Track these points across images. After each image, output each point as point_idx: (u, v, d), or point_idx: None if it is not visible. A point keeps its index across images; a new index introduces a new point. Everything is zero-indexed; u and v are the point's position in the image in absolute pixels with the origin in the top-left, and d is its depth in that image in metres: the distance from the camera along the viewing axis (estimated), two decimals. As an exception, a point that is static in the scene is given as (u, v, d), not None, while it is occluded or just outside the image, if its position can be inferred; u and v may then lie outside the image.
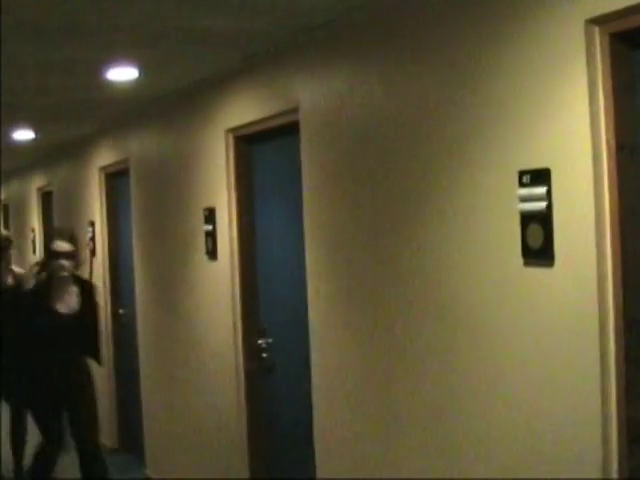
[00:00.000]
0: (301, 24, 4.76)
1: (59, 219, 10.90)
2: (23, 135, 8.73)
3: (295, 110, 5.10)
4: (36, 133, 8.67)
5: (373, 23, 4.37)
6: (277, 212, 5.73)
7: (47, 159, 11.25)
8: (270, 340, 5.83)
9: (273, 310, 5.83)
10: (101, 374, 9.09)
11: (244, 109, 5.76)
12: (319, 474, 5.04)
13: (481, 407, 3.71)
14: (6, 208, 14.61)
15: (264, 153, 5.84)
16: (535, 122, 3.34)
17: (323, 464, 5.01)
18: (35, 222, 12.26)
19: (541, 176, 3.32)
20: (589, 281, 3.11)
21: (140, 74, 5.87)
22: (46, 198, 11.77)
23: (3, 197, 14.50)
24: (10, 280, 7.63)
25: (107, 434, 9.18)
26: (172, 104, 6.97)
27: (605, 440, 3.08)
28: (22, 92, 6.58)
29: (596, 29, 3.08)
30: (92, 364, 6.78)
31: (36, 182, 12.11)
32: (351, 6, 4.38)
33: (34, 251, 12.35)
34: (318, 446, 5.04)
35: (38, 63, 5.60)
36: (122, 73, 5.83)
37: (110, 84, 6.15)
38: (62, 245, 6.48)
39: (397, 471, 4.30)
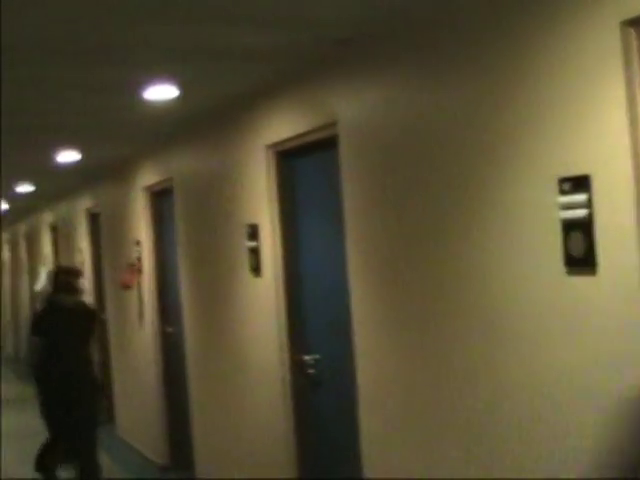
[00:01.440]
0: (337, 37, 4.73)
1: (106, 240, 10.97)
2: (68, 157, 8.78)
3: (334, 124, 5.08)
4: (82, 154, 8.72)
5: (407, 34, 4.34)
6: (320, 227, 5.70)
7: (94, 180, 11.32)
8: (317, 356, 5.80)
9: (319, 325, 5.79)
10: (151, 392, 9.14)
11: (283, 124, 5.75)
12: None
13: (526, 415, 3.65)
14: (55, 230, 14.73)
15: (305, 168, 5.82)
16: (574, 128, 3.29)
17: (370, 473, 4.97)
18: (84, 244, 12.34)
19: (581, 183, 3.27)
20: (633, 288, 3.05)
21: (180, 92, 5.88)
22: (94, 219, 11.84)
23: (52, 219, 14.63)
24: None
25: (158, 451, 9.21)
26: (212, 121, 6.98)
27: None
28: (64, 114, 6.64)
29: (632, 31, 3.02)
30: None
31: (84, 204, 12.20)
32: (386, 17, 4.35)
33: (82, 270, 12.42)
34: (365, 461, 5.00)
35: (78, 85, 5.64)
36: (161, 92, 5.84)
37: (149, 103, 6.17)
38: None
39: (442, 475, 4.26)
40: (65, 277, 7.92)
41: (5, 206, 14.44)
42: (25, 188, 11.80)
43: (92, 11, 4.03)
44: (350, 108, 4.92)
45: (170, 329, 8.86)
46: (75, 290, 7.83)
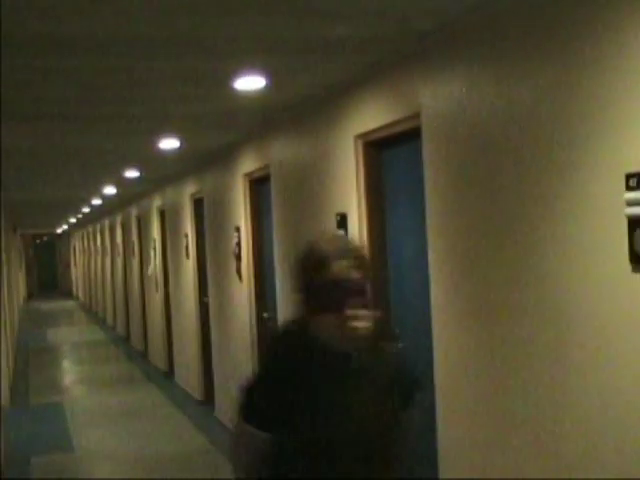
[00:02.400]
0: (421, 29, 4.77)
1: (209, 225, 11.16)
2: (168, 144, 8.98)
3: (417, 115, 5.12)
4: (180, 141, 8.91)
5: (487, 25, 4.34)
6: (407, 216, 5.74)
7: (198, 166, 11.53)
8: (400, 345, 5.83)
9: (404, 314, 5.83)
10: (247, 374, 9.28)
11: (371, 115, 5.80)
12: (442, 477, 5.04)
13: (594, 411, 3.64)
14: (162, 214, 15.03)
15: (393, 158, 5.87)
16: (642, 124, 3.27)
17: (446, 469, 5.00)
18: (188, 228, 12.57)
19: (649, 179, 3.25)
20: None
21: (267, 83, 5.99)
22: (198, 204, 12.06)
23: (160, 203, 14.93)
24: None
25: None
26: (304, 111, 7.07)
27: None
28: (164, 103, 6.81)
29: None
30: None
31: (189, 189, 12.43)
32: (467, 10, 4.37)
33: (187, 256, 12.67)
34: (441, 452, 5.03)
35: (173, 75, 5.79)
36: (250, 82, 5.95)
37: (240, 93, 6.29)
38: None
39: (516, 475, 4.26)
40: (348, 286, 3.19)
41: (113, 190, 14.78)
42: (132, 173, 12.09)
43: (185, 5, 4.15)
44: (432, 99, 4.95)
45: (266, 315, 8.99)
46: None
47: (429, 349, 5.16)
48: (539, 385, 4.03)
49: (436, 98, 4.91)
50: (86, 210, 21.78)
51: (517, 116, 4.11)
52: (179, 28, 4.60)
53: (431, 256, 5.04)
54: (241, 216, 9.35)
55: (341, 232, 6.13)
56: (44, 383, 15.47)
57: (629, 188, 3.34)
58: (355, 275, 3.14)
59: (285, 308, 7.96)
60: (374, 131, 5.79)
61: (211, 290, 11.24)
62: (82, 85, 6.00)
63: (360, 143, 6.02)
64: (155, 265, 15.72)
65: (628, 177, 3.34)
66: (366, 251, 3.58)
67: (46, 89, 6.07)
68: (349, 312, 3.11)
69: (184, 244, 12.84)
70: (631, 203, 3.34)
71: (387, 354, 3.40)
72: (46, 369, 17.39)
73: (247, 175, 9.17)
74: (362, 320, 3.15)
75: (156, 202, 15.45)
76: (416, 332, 5.62)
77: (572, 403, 3.80)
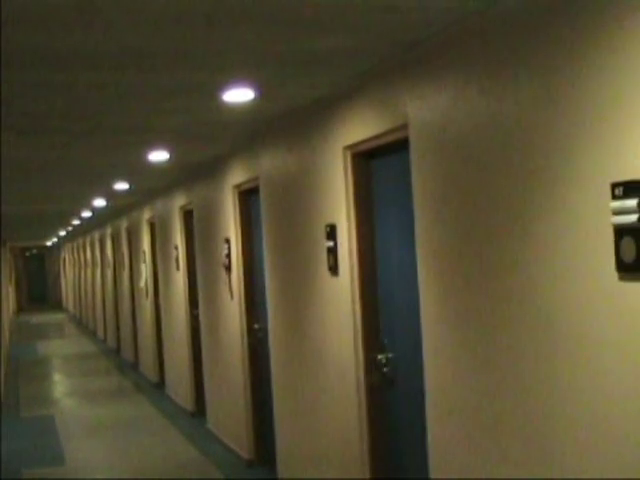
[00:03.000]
0: (403, 41, 4.80)
1: (199, 237, 11.18)
2: (158, 156, 9.01)
3: (405, 126, 5.15)
4: (170, 153, 8.93)
5: (473, 38, 4.37)
6: (396, 227, 5.76)
7: (187, 178, 11.56)
8: (390, 355, 5.87)
9: (393, 325, 5.86)
10: (238, 387, 9.31)
11: (359, 126, 5.82)
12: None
13: (583, 418, 3.67)
14: (152, 226, 15.04)
15: (381, 169, 5.90)
16: (627, 132, 3.29)
17: (437, 473, 5.02)
18: (178, 240, 12.59)
19: (634, 188, 3.27)
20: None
21: (255, 95, 6.02)
22: (188, 216, 12.09)
23: (150, 215, 14.93)
24: None
25: (244, 446, 9.37)
26: (292, 122, 7.10)
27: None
28: (152, 115, 6.83)
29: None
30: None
31: (178, 201, 12.45)
32: (455, 21, 4.40)
33: (177, 268, 12.68)
34: (432, 462, 5.05)
35: (162, 87, 5.81)
36: (239, 94, 5.98)
37: (229, 105, 6.32)
38: None
39: (505, 477, 4.29)
40: None
41: (103, 202, 14.79)
42: (122, 186, 12.11)
43: (174, 18, 4.17)
44: (420, 111, 4.97)
45: (257, 325, 9.02)
46: None
47: (419, 358, 5.19)
48: (528, 392, 4.05)
49: (423, 109, 4.94)
50: (76, 222, 21.77)
51: (503, 127, 4.14)
52: (168, 41, 4.62)
53: (420, 266, 5.07)
54: (231, 227, 9.37)
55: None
56: (35, 395, 15.46)
57: (615, 197, 3.36)
58: None
59: (274, 318, 7.98)
60: (363, 142, 5.82)
61: (201, 301, 11.26)
62: (71, 98, 6.01)
63: (349, 154, 6.05)
64: (146, 277, 15.73)
65: (614, 186, 3.36)
66: None
67: (35, 102, 6.09)
68: None
69: (174, 256, 12.85)
70: (617, 212, 3.36)
71: None
72: (37, 382, 17.37)
73: (236, 187, 9.19)
74: None
75: (146, 214, 15.46)
76: (406, 342, 5.65)
77: (560, 409, 3.82)
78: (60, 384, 17.46)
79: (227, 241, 9.49)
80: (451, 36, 4.56)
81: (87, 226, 24.03)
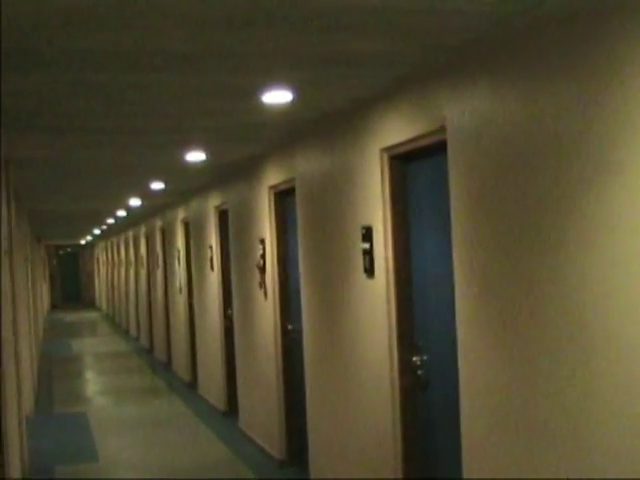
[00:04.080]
0: (441, 44, 4.82)
1: (234, 237, 11.22)
2: (195, 157, 9.07)
3: (443, 129, 5.16)
4: (206, 154, 8.98)
5: (511, 41, 4.38)
6: (430, 230, 5.78)
7: (222, 179, 11.61)
8: (425, 357, 5.88)
9: (428, 327, 5.87)
10: (271, 387, 9.34)
11: (396, 129, 5.84)
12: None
13: (617, 419, 3.66)
14: (187, 226, 15.11)
15: (417, 172, 5.91)
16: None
17: (470, 475, 5.03)
18: (213, 240, 12.64)
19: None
20: None
21: (293, 97, 6.05)
22: (223, 216, 12.14)
23: (185, 215, 15.00)
24: None
25: (276, 446, 9.40)
26: (329, 124, 7.13)
27: None
28: (191, 116, 6.88)
29: None
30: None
31: (213, 201, 12.50)
32: (492, 24, 4.41)
33: (211, 268, 12.74)
34: (465, 464, 5.06)
35: (201, 89, 5.86)
36: (276, 96, 6.02)
37: (267, 107, 6.36)
38: None
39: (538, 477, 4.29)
40: None
41: (138, 202, 14.88)
42: (157, 185, 12.18)
43: (214, 20, 4.20)
44: (458, 114, 4.98)
45: (291, 326, 9.05)
46: None
47: (453, 361, 5.20)
48: (563, 394, 4.05)
49: (461, 112, 4.95)
50: (110, 221, 21.90)
51: (542, 130, 4.15)
52: (207, 43, 4.66)
53: (456, 268, 5.08)
54: (266, 228, 9.41)
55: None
56: (68, 393, 15.57)
57: (654, 203, 3.36)
58: None
59: (309, 319, 8.00)
60: (400, 145, 5.83)
61: (235, 301, 11.30)
62: (110, 98, 6.07)
63: (386, 156, 6.07)
64: (180, 277, 15.80)
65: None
66: None
67: (74, 102, 6.15)
68: None
69: (208, 256, 12.91)
70: (655, 217, 3.36)
71: None
72: (70, 379, 17.50)
73: (272, 187, 9.23)
74: None
75: (180, 214, 15.53)
76: (440, 344, 5.66)
77: (596, 411, 3.82)
78: (93, 382, 17.57)
79: (262, 242, 9.53)
80: (489, 39, 4.57)
81: (121, 225, 24.17)
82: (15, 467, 6.79)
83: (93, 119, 6.87)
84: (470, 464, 5.02)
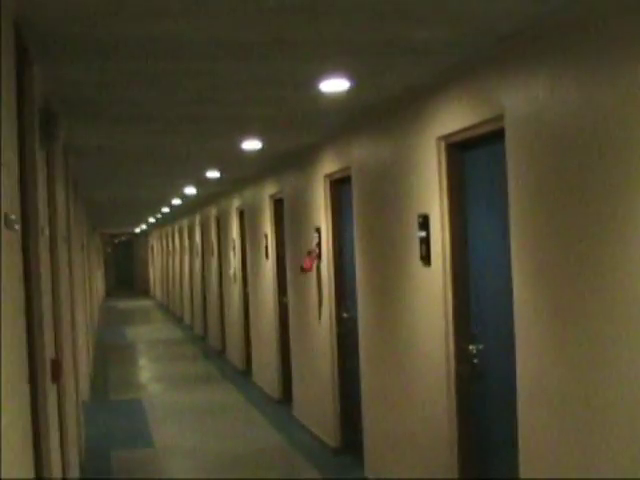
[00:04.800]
0: (504, 31, 4.80)
1: (289, 225, 11.25)
2: (251, 145, 9.09)
3: (500, 117, 5.13)
4: (264, 143, 9.01)
5: (570, 27, 4.35)
6: (487, 218, 5.76)
7: (278, 167, 11.63)
8: (481, 346, 5.86)
9: (484, 316, 5.85)
10: (326, 375, 9.36)
11: (453, 117, 5.82)
12: (522, 475, 5.04)
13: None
14: (242, 214, 15.16)
15: (474, 160, 5.89)
16: None
17: (527, 466, 5.01)
18: (268, 228, 12.68)
19: None
20: None
21: (351, 85, 6.06)
22: (278, 205, 12.17)
23: (240, 203, 15.05)
24: None
25: (330, 434, 9.42)
26: (385, 113, 7.12)
27: None
28: (247, 105, 6.90)
29: None
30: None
31: (268, 190, 12.54)
32: (549, 11, 4.38)
33: (266, 256, 12.78)
34: (522, 457, 5.04)
35: (258, 78, 5.88)
36: (334, 85, 6.03)
37: (324, 95, 6.36)
38: None
39: (597, 474, 4.25)
40: None
41: (193, 190, 14.95)
42: (213, 174, 12.23)
43: (271, 8, 4.22)
44: (516, 102, 4.96)
45: (346, 315, 9.06)
46: None
47: (511, 348, 5.17)
48: (623, 384, 4.02)
49: (519, 100, 4.92)
50: (165, 210, 22.04)
51: (602, 118, 4.11)
52: (266, 31, 4.68)
53: (514, 257, 5.05)
54: (321, 217, 9.42)
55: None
56: (123, 379, 15.72)
57: None
58: None
59: (365, 308, 8.01)
60: (457, 133, 5.82)
61: (290, 290, 11.33)
62: (168, 87, 6.11)
63: (442, 145, 6.05)
64: (234, 265, 15.87)
65: None
66: None
67: (132, 91, 6.20)
68: None
69: (263, 244, 12.95)
70: None
71: None
72: (125, 366, 17.67)
73: (328, 176, 9.24)
74: None
75: (235, 202, 15.59)
76: (497, 333, 5.64)
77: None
78: (147, 369, 17.72)
79: (317, 230, 9.54)
80: (547, 26, 4.54)
81: (176, 214, 24.32)
82: (72, 452, 6.88)
83: (151, 107, 6.92)
84: (527, 453, 5.00)
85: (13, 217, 3.42)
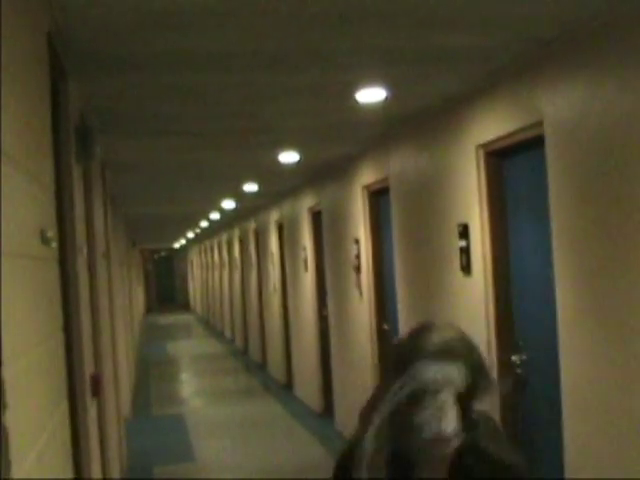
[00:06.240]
0: (542, 37, 4.74)
1: (327, 238, 11.21)
2: (288, 157, 9.06)
3: (540, 123, 5.07)
4: (300, 154, 8.98)
5: (610, 31, 4.28)
6: (528, 227, 5.69)
7: (315, 179, 11.60)
8: (524, 356, 5.78)
9: (528, 326, 5.78)
10: (367, 388, 9.29)
11: (492, 124, 5.76)
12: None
13: None
14: (280, 227, 15.15)
15: (514, 168, 5.82)
16: None
17: (572, 476, 4.93)
18: (307, 241, 12.65)
19: None
20: None
21: (388, 94, 6.01)
22: (316, 217, 12.14)
23: (278, 217, 15.05)
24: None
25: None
26: (422, 122, 7.07)
27: None
28: (284, 116, 6.88)
29: None
30: None
31: (307, 202, 12.51)
32: (591, 17, 4.31)
33: (305, 269, 12.75)
34: (567, 458, 4.97)
35: (294, 89, 5.86)
36: (370, 94, 5.99)
37: (361, 105, 6.32)
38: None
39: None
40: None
41: (232, 204, 14.95)
42: (251, 187, 12.22)
43: (307, 19, 4.19)
44: (555, 107, 4.90)
45: (386, 326, 8.99)
46: None
47: (554, 360, 5.10)
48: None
49: (559, 106, 4.86)
50: (204, 224, 22.07)
51: (646, 122, 4.04)
52: (301, 42, 4.66)
53: (557, 266, 4.99)
54: (360, 228, 9.37)
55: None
56: (165, 394, 15.74)
57: None
58: None
59: (405, 320, 7.95)
60: (495, 140, 5.76)
61: (330, 302, 11.29)
62: (205, 100, 6.10)
63: (482, 153, 5.99)
64: (274, 278, 15.86)
65: None
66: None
67: (168, 104, 6.20)
68: None
69: (302, 257, 12.92)
70: None
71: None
72: (166, 381, 17.69)
73: (366, 187, 9.19)
74: None
75: (274, 216, 15.59)
76: (541, 343, 5.56)
77: None
78: (189, 383, 17.74)
79: (357, 242, 9.50)
80: (587, 31, 4.48)
81: (215, 228, 24.36)
82: (114, 468, 6.87)
83: (187, 121, 6.92)
84: (572, 463, 4.93)
85: (50, 234, 3.40)
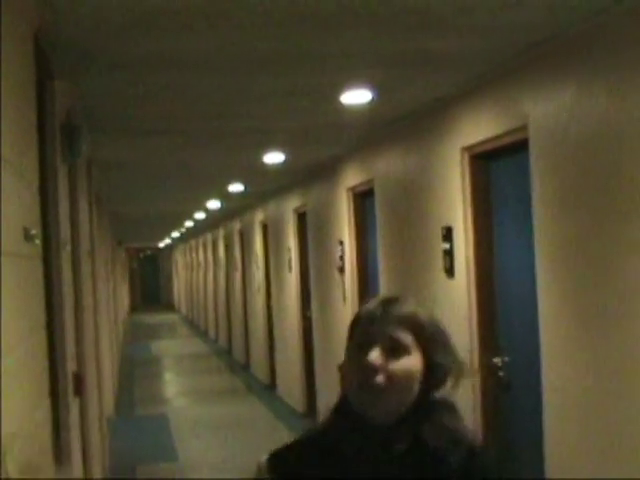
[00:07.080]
0: (525, 41, 4.76)
1: (312, 239, 11.22)
2: (273, 158, 9.07)
3: (525, 127, 5.09)
4: (286, 155, 8.98)
5: (598, 35, 4.31)
6: (512, 230, 5.71)
7: (301, 180, 11.61)
8: (507, 358, 5.80)
9: (510, 328, 5.80)
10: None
11: (477, 127, 5.78)
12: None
13: None
14: (265, 228, 15.15)
15: (498, 171, 5.84)
16: None
17: (554, 477, 4.95)
18: (291, 242, 12.66)
19: None
20: None
21: (373, 96, 6.02)
22: (301, 218, 12.14)
23: (263, 217, 15.05)
24: None
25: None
26: (408, 124, 7.08)
27: None
28: (269, 118, 6.89)
29: None
30: None
31: (292, 203, 12.52)
32: (576, 21, 4.34)
33: (290, 269, 12.75)
34: (548, 461, 4.99)
35: (280, 90, 5.87)
36: (356, 96, 5.99)
37: (346, 107, 6.33)
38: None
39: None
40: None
41: (217, 204, 14.94)
42: (236, 187, 12.22)
43: (293, 21, 4.20)
44: (540, 111, 4.92)
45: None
46: None
47: (536, 362, 5.12)
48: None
49: (544, 109, 4.88)
50: (189, 224, 22.06)
51: (631, 127, 4.06)
52: (287, 44, 4.67)
53: (539, 268, 5.01)
54: (345, 230, 9.39)
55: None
56: (148, 394, 15.71)
57: None
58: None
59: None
60: (481, 143, 5.78)
61: (314, 303, 11.30)
62: (192, 100, 6.11)
63: (466, 155, 6.01)
64: (258, 279, 15.86)
65: None
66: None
67: (156, 105, 6.20)
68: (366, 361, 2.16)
69: (287, 258, 12.92)
70: None
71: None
72: (150, 380, 17.66)
73: (351, 189, 9.20)
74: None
75: (259, 216, 15.59)
76: (523, 345, 5.58)
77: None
78: (173, 383, 17.72)
79: (341, 243, 9.51)
80: (575, 34, 4.50)
81: (200, 228, 24.34)
82: (96, 467, 6.85)
83: (174, 121, 6.92)
84: (554, 464, 4.95)
85: (33, 232, 3.40)
